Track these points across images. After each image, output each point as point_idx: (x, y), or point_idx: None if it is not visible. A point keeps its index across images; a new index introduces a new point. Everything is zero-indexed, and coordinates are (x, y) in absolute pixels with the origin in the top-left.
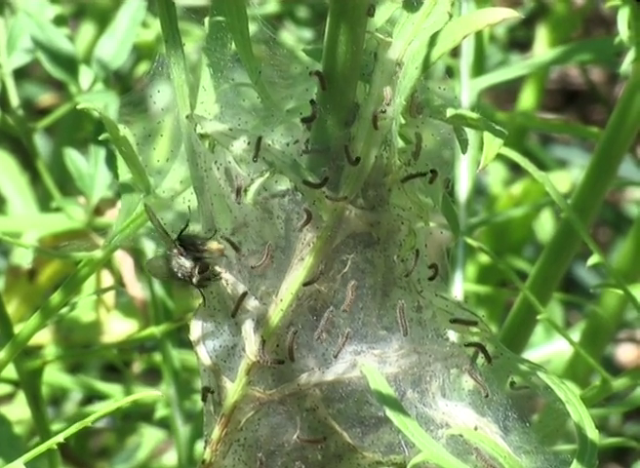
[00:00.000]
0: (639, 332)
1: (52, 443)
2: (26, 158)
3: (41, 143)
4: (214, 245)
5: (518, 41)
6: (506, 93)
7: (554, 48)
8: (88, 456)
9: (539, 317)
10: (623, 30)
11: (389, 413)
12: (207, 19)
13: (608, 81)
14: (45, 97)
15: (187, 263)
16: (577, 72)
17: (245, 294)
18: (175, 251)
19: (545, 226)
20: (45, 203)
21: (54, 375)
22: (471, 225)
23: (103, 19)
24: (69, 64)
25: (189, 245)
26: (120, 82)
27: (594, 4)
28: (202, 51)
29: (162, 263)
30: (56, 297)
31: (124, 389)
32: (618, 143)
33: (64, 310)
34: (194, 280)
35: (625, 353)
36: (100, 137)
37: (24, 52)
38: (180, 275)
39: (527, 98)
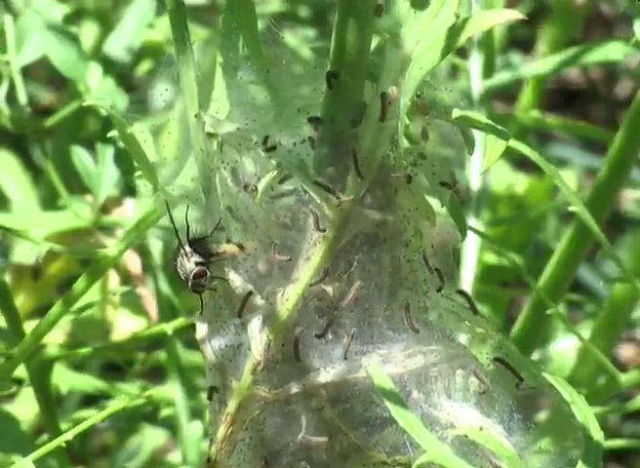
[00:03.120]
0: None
1: (60, 441)
2: (27, 157)
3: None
4: (228, 248)
5: (519, 40)
6: (506, 92)
7: (556, 47)
8: (89, 455)
9: (548, 312)
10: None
11: (395, 414)
12: (221, 18)
13: (608, 80)
14: (45, 97)
15: (187, 266)
16: (576, 71)
17: (251, 294)
18: (181, 250)
19: (548, 226)
20: (47, 203)
21: (60, 374)
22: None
23: (104, 19)
24: (78, 63)
25: (199, 248)
26: (125, 80)
27: (595, 3)
28: (213, 49)
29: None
30: (75, 290)
31: (129, 388)
32: (633, 145)
33: (78, 309)
34: (189, 284)
35: (626, 353)
36: (109, 135)
37: (33, 49)
38: (180, 275)
39: (527, 98)
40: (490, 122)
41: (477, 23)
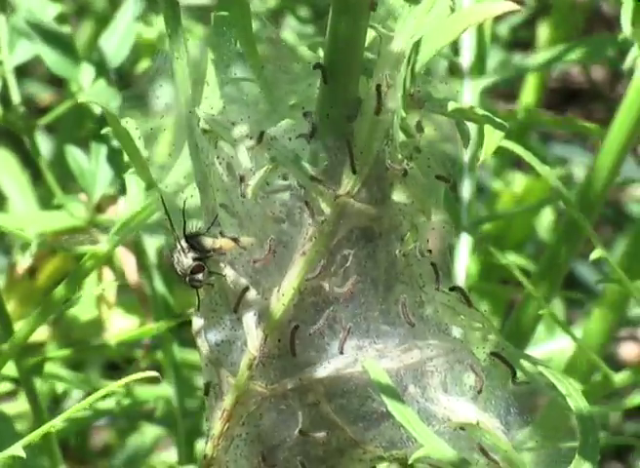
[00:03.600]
0: None
1: (48, 427)
2: (25, 157)
3: (41, 142)
4: (224, 243)
5: (521, 41)
6: (507, 91)
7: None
8: (88, 455)
9: (541, 312)
10: (627, 27)
11: (391, 408)
12: (212, 15)
13: (609, 79)
14: (44, 96)
15: (185, 261)
16: (578, 70)
17: (247, 289)
18: (177, 246)
19: (547, 224)
20: (45, 202)
21: (55, 373)
22: (475, 221)
23: (103, 18)
24: (71, 62)
25: (195, 243)
26: (120, 80)
27: (595, 2)
28: (206, 46)
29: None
30: (59, 292)
31: (125, 387)
32: (622, 141)
33: (67, 305)
34: (187, 279)
35: (627, 351)
36: (103, 131)
37: (25, 49)
38: (177, 271)
39: (528, 96)
40: (485, 113)
41: (471, 16)
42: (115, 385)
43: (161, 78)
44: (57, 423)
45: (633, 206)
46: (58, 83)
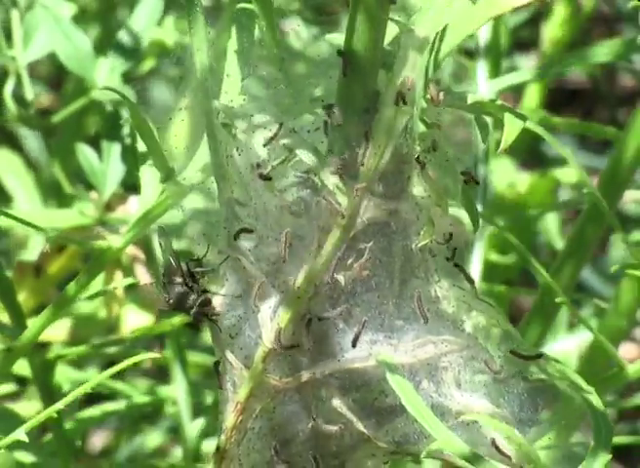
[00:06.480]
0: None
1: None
2: (23, 156)
3: (39, 142)
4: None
5: (522, 42)
6: (510, 91)
7: (558, 48)
8: (90, 455)
9: (557, 300)
10: None
11: (405, 402)
12: (229, 6)
13: (608, 78)
14: (45, 98)
15: (192, 297)
16: (577, 69)
17: (263, 283)
18: (180, 279)
19: (550, 226)
20: (46, 201)
21: (62, 372)
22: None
23: (104, 20)
24: (85, 58)
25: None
26: (128, 78)
27: (596, 3)
28: (226, 38)
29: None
30: (71, 287)
31: (133, 387)
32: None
33: (79, 303)
34: (192, 312)
35: (626, 352)
36: (121, 122)
37: (40, 46)
38: (178, 305)
39: (531, 97)
40: (505, 104)
41: (491, 8)
42: (111, 372)
43: (166, 80)
44: (71, 429)
45: (631, 207)
46: (57, 84)
